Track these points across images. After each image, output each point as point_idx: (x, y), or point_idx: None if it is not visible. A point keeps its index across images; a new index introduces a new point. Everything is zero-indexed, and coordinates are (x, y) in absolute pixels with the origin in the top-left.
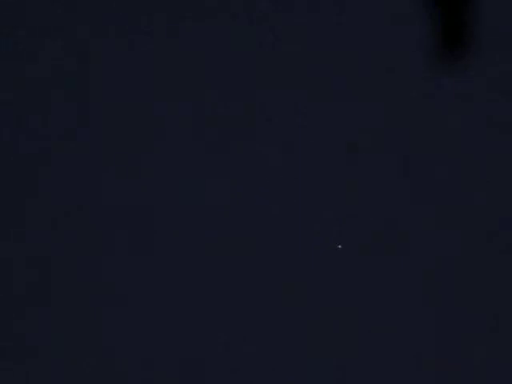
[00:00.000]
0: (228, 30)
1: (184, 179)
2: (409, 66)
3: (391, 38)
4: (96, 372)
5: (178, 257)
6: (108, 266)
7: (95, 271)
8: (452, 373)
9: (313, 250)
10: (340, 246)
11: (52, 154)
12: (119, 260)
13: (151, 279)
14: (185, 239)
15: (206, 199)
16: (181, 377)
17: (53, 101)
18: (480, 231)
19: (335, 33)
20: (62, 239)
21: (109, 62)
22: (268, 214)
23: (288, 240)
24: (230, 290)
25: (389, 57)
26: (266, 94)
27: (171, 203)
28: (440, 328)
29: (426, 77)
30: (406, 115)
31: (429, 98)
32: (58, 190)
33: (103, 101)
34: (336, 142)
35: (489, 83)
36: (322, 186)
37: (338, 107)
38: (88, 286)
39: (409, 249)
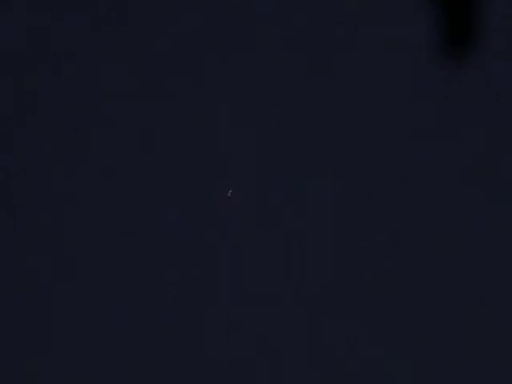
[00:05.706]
0: (227, 29)
1: (183, 179)
2: (409, 66)
3: (392, 37)
4: (94, 372)
5: (176, 255)
6: (107, 265)
7: (95, 271)
8: (452, 372)
9: (311, 249)
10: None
11: (52, 153)
12: (118, 260)
13: (148, 278)
14: (183, 238)
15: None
16: (176, 376)
17: (53, 100)
18: (479, 231)
19: (335, 32)
20: (61, 242)
21: (109, 62)
22: (265, 214)
23: (286, 239)
24: (226, 289)
25: (390, 56)
26: (265, 94)
27: (169, 204)
28: (438, 328)
29: (426, 76)
30: (406, 114)
31: (429, 97)
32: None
33: (103, 101)
34: (336, 141)
35: (489, 83)
36: (321, 187)
37: (338, 107)
38: (87, 285)
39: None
